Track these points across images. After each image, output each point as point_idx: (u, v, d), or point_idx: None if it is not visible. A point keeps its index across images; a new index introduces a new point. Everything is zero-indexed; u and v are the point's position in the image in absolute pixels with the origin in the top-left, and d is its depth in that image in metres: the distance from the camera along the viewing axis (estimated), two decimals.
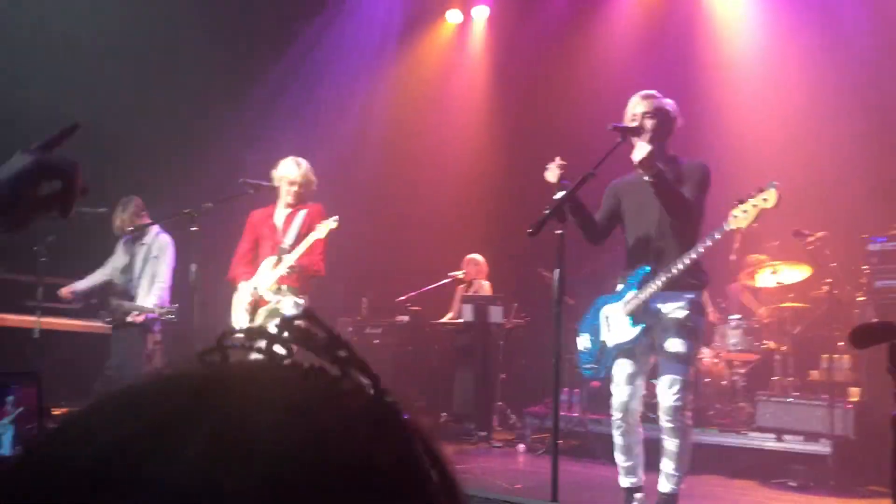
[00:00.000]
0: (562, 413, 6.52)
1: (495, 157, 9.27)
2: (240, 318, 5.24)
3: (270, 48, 8.99)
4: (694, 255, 3.88)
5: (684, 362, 3.97)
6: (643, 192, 4.10)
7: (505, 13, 9.81)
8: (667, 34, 8.46)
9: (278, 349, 0.47)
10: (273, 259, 5.26)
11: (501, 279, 8.23)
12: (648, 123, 4.06)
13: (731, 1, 8.44)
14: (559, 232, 3.82)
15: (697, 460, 4.41)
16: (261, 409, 0.42)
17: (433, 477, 0.45)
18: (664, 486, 4.05)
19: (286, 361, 0.47)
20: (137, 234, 6.34)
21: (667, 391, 3.96)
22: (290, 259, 5.17)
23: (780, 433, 5.93)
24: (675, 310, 4.01)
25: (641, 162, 3.91)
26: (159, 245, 6.32)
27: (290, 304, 5.19)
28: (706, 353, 6.67)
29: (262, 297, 5.20)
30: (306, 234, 5.21)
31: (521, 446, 7.04)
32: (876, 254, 6.25)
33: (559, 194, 3.97)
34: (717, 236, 3.84)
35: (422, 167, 9.60)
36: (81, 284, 6.46)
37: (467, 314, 7.75)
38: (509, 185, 8.79)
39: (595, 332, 4.30)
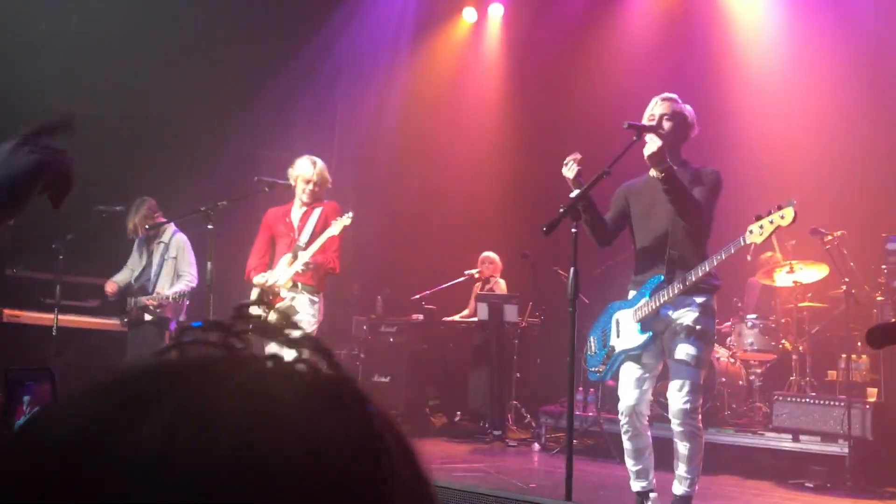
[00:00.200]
0: (577, 412, 6.51)
1: (510, 155, 9.26)
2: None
3: (286, 47, 9.01)
4: (707, 268, 3.87)
5: (695, 366, 3.95)
6: (652, 196, 4.09)
7: (520, 11, 9.80)
8: (683, 32, 8.42)
9: (234, 340, 0.49)
10: (289, 257, 5.29)
11: (516, 278, 8.22)
12: (666, 125, 4.05)
13: (750, 0, 8.39)
14: (574, 230, 3.81)
15: (713, 460, 4.39)
16: (220, 390, 0.44)
17: (392, 449, 0.47)
18: (678, 488, 4.04)
19: (243, 350, 0.49)
20: (153, 234, 6.37)
21: (676, 394, 3.95)
22: (305, 256, 5.19)
23: (796, 434, 5.90)
24: (685, 314, 3.99)
25: (651, 156, 3.91)
26: (177, 244, 6.34)
27: (305, 302, 5.22)
28: (723, 353, 6.64)
29: (278, 294, 5.23)
30: (321, 232, 5.25)
31: (536, 445, 7.03)
32: (894, 253, 6.20)
33: (574, 192, 3.96)
34: (732, 250, 3.82)
35: (437, 165, 9.61)
36: (119, 277, 6.48)
37: (482, 313, 7.75)
38: (524, 183, 8.78)
39: (604, 337, 4.30)
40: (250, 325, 0.49)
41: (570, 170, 4.06)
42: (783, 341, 6.58)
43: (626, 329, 4.18)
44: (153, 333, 6.16)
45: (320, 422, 0.44)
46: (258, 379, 0.46)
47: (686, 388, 3.92)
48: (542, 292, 7.95)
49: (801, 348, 6.44)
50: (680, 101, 4.16)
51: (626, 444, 4.16)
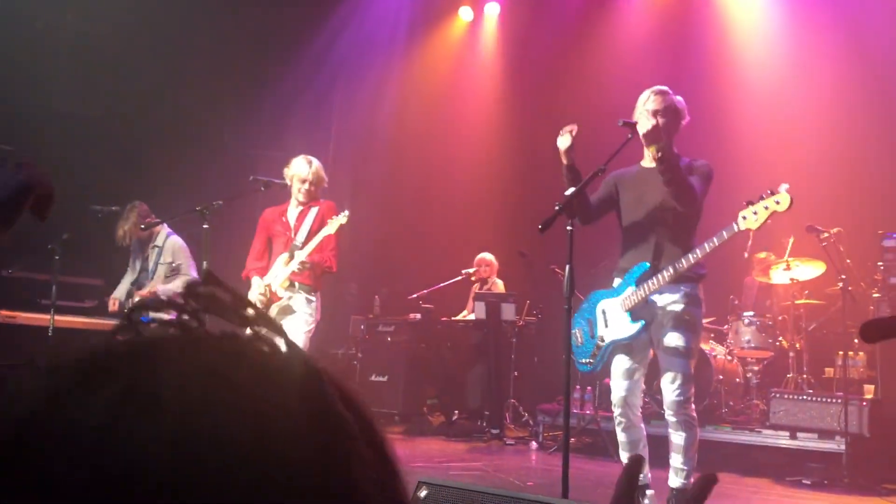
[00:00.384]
0: (574, 410, 6.53)
1: (507, 154, 9.26)
2: None
3: (284, 47, 9.01)
4: (699, 254, 3.86)
5: (684, 356, 3.96)
6: (643, 186, 4.11)
7: (516, 10, 9.80)
8: (679, 30, 8.43)
9: (189, 319, 0.48)
10: (285, 256, 5.29)
11: (513, 276, 8.22)
12: (660, 121, 4.06)
13: None
14: (569, 228, 3.81)
15: (710, 458, 4.39)
16: (170, 371, 0.44)
17: (349, 419, 0.46)
18: (674, 480, 4.05)
19: (198, 329, 0.49)
20: (147, 237, 6.36)
21: (669, 386, 3.97)
22: (301, 255, 5.19)
23: (793, 431, 5.90)
24: (672, 303, 4.00)
25: (647, 134, 3.90)
26: (172, 248, 6.33)
27: (302, 301, 5.23)
28: (720, 351, 6.64)
29: (275, 293, 5.23)
30: (318, 231, 5.25)
31: (534, 444, 7.04)
32: (891, 250, 6.21)
33: (569, 190, 3.96)
34: (725, 236, 3.81)
35: (433, 164, 9.61)
36: (119, 293, 6.48)
37: (480, 312, 7.75)
38: (520, 181, 8.78)
39: (590, 327, 4.29)
40: (204, 305, 0.48)
41: (564, 140, 4.04)
42: (780, 339, 6.59)
43: (615, 319, 4.17)
44: None
45: (270, 401, 0.44)
46: (210, 359, 0.45)
47: (678, 381, 3.94)
48: (539, 291, 7.96)
49: (797, 345, 6.44)
50: (671, 92, 4.17)
51: (621, 436, 4.17)
